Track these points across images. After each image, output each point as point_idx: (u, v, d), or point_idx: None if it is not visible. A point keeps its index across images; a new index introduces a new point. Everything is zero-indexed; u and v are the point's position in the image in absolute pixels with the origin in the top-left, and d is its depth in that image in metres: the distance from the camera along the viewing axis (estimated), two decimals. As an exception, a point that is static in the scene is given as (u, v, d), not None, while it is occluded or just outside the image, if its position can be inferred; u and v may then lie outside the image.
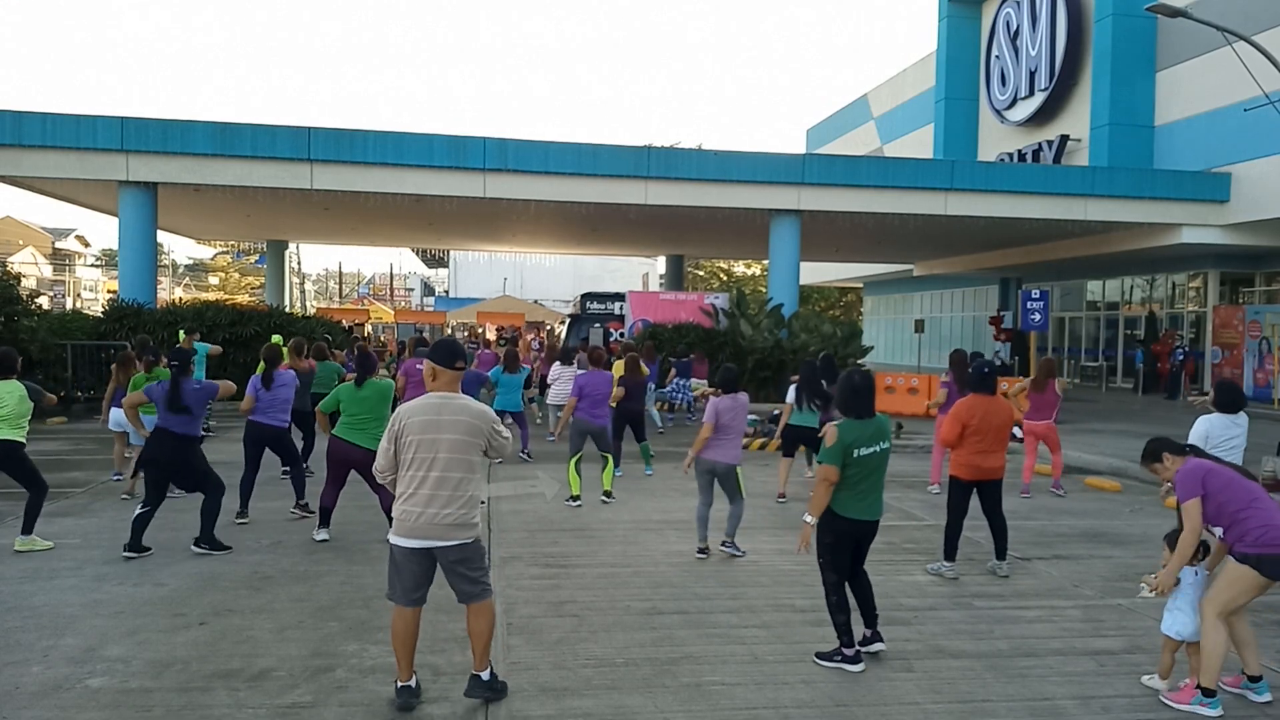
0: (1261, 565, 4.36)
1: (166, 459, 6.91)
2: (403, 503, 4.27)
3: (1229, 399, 6.59)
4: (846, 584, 5.13)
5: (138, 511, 6.87)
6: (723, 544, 7.17)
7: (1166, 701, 4.53)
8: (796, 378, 9.80)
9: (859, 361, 19.60)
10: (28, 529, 7.00)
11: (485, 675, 4.38)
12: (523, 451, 11.80)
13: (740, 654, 5.12)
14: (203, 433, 7.91)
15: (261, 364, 8.38)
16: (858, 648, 4.98)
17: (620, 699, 4.48)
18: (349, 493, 7.65)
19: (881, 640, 5.09)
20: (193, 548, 6.94)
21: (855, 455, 4.97)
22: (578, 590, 6.25)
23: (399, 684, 4.36)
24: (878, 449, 5.03)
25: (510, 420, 11.67)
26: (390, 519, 7.26)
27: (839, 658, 4.96)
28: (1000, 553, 6.90)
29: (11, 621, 5.40)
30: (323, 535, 7.41)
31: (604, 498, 9.21)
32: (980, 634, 5.55)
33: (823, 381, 9.23)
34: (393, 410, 5.04)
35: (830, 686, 4.70)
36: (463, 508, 4.27)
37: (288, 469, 8.87)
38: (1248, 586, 4.43)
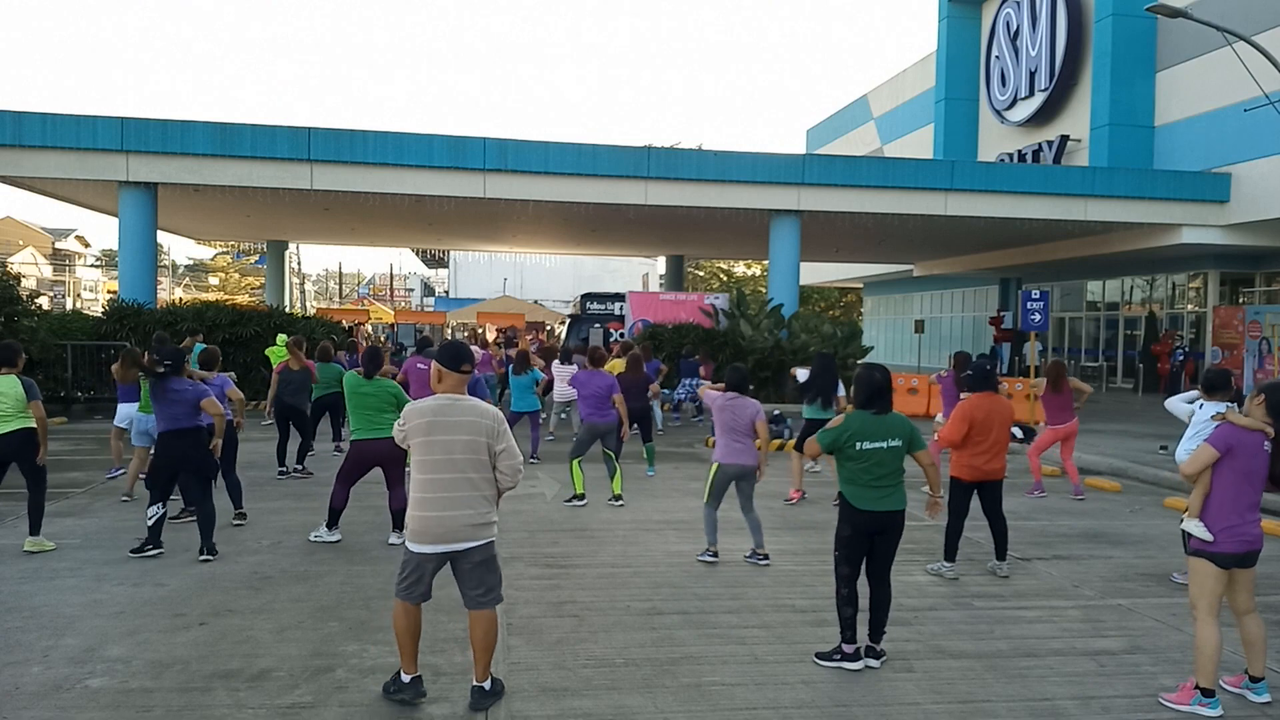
0: (1215, 558, 4.51)
1: (178, 456, 6.92)
2: (419, 509, 4.23)
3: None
4: (866, 585, 5.12)
5: (156, 514, 6.85)
6: (758, 556, 7.00)
7: (1166, 703, 4.53)
8: (799, 371, 9.85)
9: (860, 362, 19.59)
10: (35, 529, 7.00)
11: (488, 685, 4.37)
12: (532, 456, 11.79)
13: (740, 654, 5.11)
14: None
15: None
16: (858, 645, 4.99)
17: (620, 699, 4.48)
18: (350, 492, 7.64)
19: (877, 658, 4.99)
20: (201, 558, 6.81)
21: (858, 447, 4.99)
22: (578, 590, 6.25)
23: (407, 677, 4.36)
24: (884, 445, 5.02)
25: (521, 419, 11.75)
26: (395, 518, 7.32)
27: (838, 656, 4.96)
28: (1000, 553, 6.90)
29: (11, 621, 5.39)
30: (335, 536, 7.38)
31: (613, 501, 9.17)
32: (980, 634, 5.55)
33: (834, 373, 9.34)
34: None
35: (830, 686, 4.70)
36: (484, 506, 4.27)
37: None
38: (1209, 574, 4.51)
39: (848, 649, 4.96)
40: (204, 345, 11.82)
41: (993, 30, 28.18)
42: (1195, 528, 4.54)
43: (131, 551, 6.84)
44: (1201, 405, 4.83)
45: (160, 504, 6.90)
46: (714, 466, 7.05)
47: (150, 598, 5.89)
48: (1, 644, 5.03)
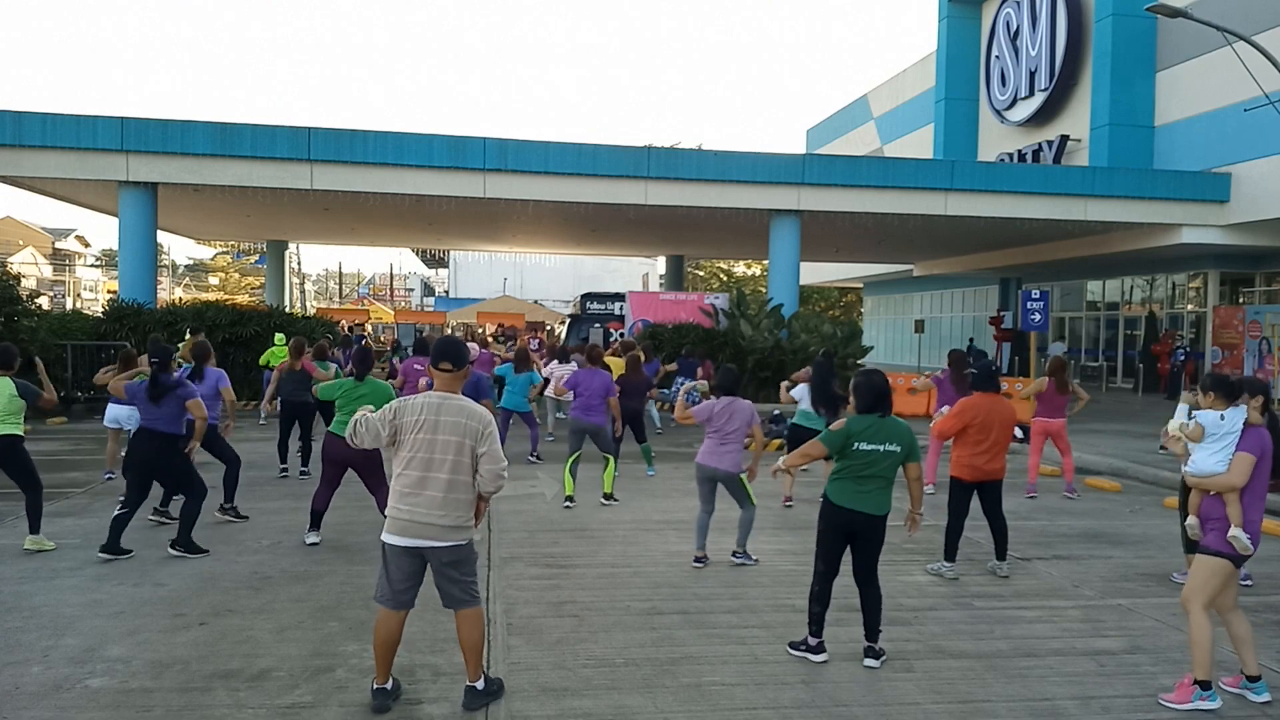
0: (1234, 559, 4.57)
1: (149, 459, 6.85)
2: (397, 501, 4.25)
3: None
4: (859, 585, 5.13)
5: (117, 512, 6.79)
6: (733, 554, 6.97)
7: (1166, 703, 4.53)
8: (800, 375, 9.74)
9: (860, 362, 19.58)
10: (34, 529, 7.00)
11: (480, 684, 4.36)
12: (531, 454, 11.78)
13: (740, 654, 5.12)
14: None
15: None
16: (822, 639, 5.05)
17: (620, 699, 4.48)
18: (349, 493, 7.64)
19: (876, 658, 4.99)
20: (170, 550, 6.83)
21: (855, 447, 5.00)
22: (578, 590, 6.25)
23: (375, 686, 4.34)
24: (882, 448, 5.01)
25: (516, 419, 11.74)
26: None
27: (804, 647, 5.05)
28: (1000, 553, 6.90)
29: (11, 621, 5.40)
30: (313, 539, 7.28)
31: (603, 500, 9.13)
32: (980, 634, 5.55)
33: (833, 385, 9.08)
34: None
35: (830, 686, 4.70)
36: (459, 509, 4.24)
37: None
38: (1225, 575, 4.57)
39: (812, 641, 5.05)
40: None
41: (993, 30, 28.19)
42: (1243, 536, 4.50)
43: (101, 550, 6.72)
44: (1223, 416, 4.78)
45: (128, 507, 6.78)
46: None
47: (150, 598, 5.89)
48: (1, 644, 5.03)
